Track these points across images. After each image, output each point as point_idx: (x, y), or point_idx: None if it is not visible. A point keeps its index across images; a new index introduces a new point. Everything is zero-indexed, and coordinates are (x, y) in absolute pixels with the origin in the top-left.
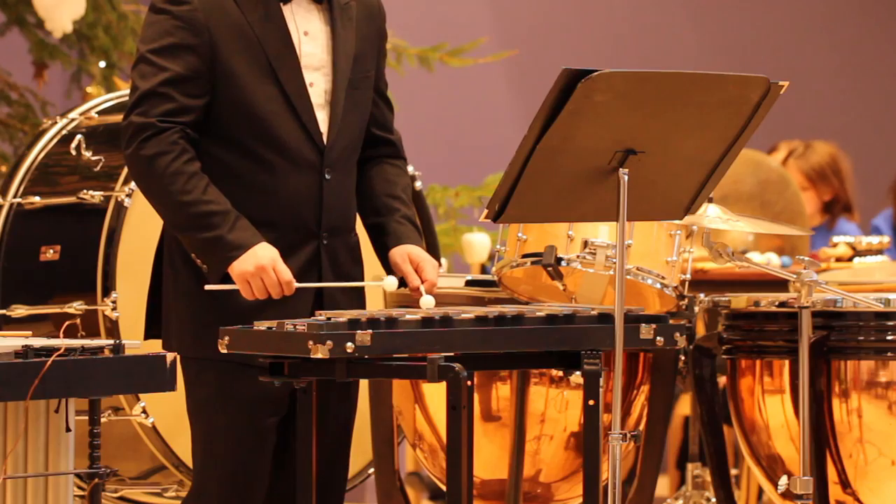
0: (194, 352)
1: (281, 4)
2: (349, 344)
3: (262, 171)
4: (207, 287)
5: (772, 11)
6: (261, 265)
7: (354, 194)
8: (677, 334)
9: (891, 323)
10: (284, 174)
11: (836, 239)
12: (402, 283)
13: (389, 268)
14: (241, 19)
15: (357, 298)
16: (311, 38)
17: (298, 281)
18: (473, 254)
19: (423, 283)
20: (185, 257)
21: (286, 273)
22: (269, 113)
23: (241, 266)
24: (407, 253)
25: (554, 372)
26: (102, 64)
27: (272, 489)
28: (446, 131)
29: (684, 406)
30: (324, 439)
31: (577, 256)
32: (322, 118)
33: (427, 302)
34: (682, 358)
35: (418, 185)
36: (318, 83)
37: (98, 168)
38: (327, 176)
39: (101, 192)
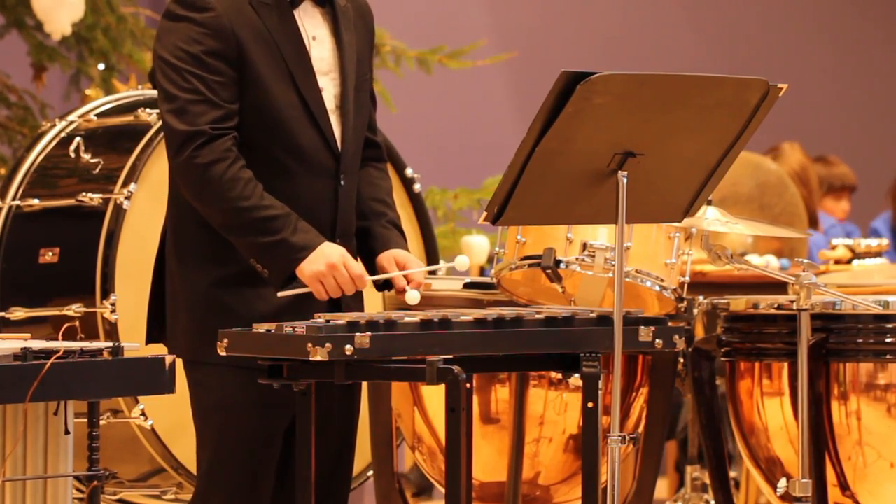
0: (203, 356)
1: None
2: (348, 346)
3: (282, 177)
4: (280, 293)
5: (771, 13)
6: (332, 263)
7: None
8: (676, 337)
9: (890, 325)
10: (303, 180)
11: (834, 241)
12: (388, 285)
13: (374, 271)
14: (260, 24)
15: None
16: (318, 43)
17: None
18: (472, 256)
19: (409, 283)
20: (198, 262)
21: (357, 268)
22: (289, 119)
23: (312, 266)
24: (393, 256)
25: (553, 374)
26: (101, 66)
27: (276, 496)
28: (445, 133)
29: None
30: (327, 443)
31: (576, 259)
32: (334, 123)
33: (412, 297)
34: (681, 360)
35: (417, 187)
36: (327, 88)
37: (97, 170)
38: (342, 181)
39: (100, 195)
